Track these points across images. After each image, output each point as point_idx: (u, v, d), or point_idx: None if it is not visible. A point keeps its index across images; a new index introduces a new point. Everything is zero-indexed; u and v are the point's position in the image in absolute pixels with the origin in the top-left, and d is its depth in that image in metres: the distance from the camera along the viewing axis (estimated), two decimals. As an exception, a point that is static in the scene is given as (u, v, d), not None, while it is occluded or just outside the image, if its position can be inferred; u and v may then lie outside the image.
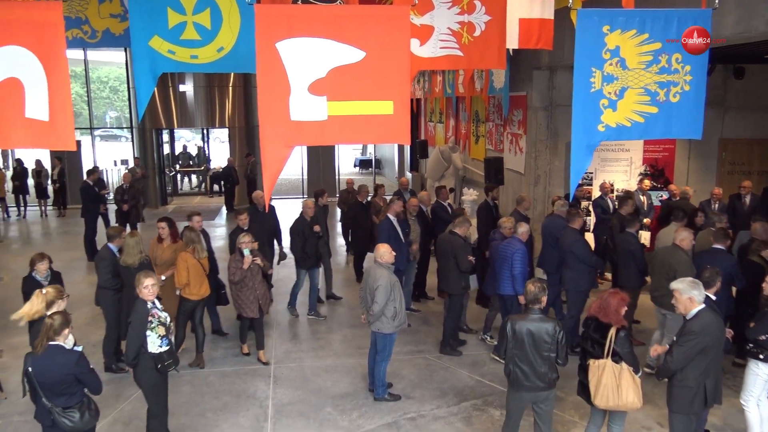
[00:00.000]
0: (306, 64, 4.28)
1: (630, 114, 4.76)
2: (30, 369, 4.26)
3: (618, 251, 7.72)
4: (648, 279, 7.54)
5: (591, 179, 10.59)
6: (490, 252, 7.57)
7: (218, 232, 14.61)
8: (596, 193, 10.20)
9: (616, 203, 9.54)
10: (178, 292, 7.04)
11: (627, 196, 8.80)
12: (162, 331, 5.09)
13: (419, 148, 16.16)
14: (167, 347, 5.14)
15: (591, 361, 4.84)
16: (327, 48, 4.28)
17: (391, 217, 8.17)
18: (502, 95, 11.19)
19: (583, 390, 5.00)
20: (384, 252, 6.30)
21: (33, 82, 4.03)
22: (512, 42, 6.41)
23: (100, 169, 14.98)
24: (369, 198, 10.45)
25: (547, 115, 10.35)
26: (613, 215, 8.96)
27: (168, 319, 5.19)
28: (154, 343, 5.06)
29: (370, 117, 4.37)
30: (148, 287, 5.03)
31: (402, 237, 8.21)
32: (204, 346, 7.36)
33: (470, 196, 10.45)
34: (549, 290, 5.18)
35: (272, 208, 9.26)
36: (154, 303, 5.12)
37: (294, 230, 8.59)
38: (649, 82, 4.72)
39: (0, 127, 4.11)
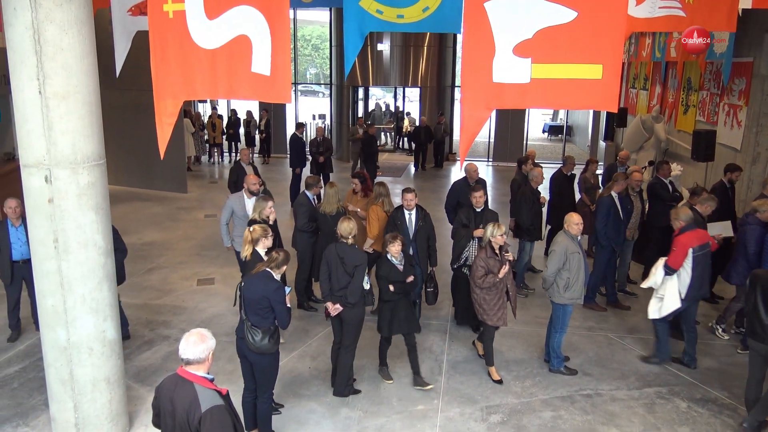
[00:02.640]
0: (513, 24, 4.16)
1: None
2: (243, 284, 4.91)
3: None
4: None
5: (825, 161, 9.20)
6: (742, 237, 6.82)
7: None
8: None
9: None
10: (370, 247, 7.35)
11: None
12: (367, 270, 5.72)
13: (617, 116, 15.14)
14: (369, 285, 5.76)
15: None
16: (536, 8, 4.12)
17: (614, 194, 7.70)
18: (722, 61, 10.01)
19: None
20: (572, 221, 6.08)
21: (259, 39, 4.39)
22: (746, 1, 5.69)
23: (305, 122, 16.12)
24: (573, 171, 9.86)
25: (777, 85, 9.11)
26: None
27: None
28: (366, 281, 5.66)
29: (576, 81, 4.15)
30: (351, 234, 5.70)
31: (622, 215, 7.73)
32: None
33: (674, 171, 9.59)
34: None
35: (483, 181, 8.44)
36: None
37: (522, 200, 8.26)
38: None
39: (229, 80, 4.55)
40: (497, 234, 5.92)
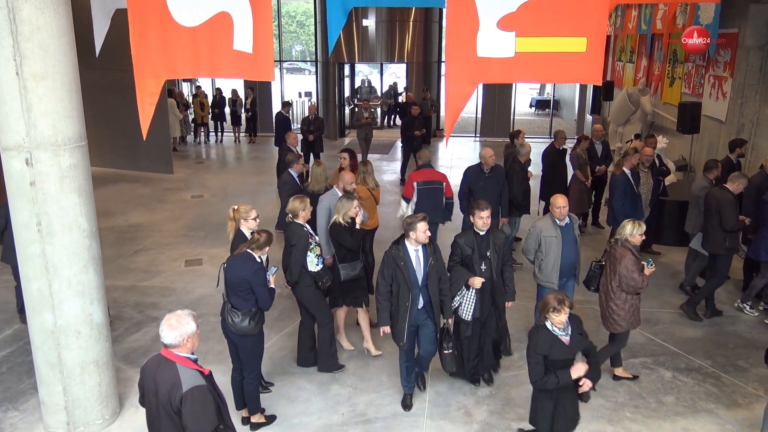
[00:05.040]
0: (497, -3, 4.14)
1: None
2: (225, 265, 4.88)
3: None
4: None
5: (808, 132, 9.25)
6: (765, 214, 6.81)
7: (393, 167, 14.98)
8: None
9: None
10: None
11: None
12: (318, 251, 5.61)
13: (604, 90, 15.15)
14: (322, 265, 5.64)
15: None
16: (520, -20, 4.09)
17: (627, 170, 7.64)
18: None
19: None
20: (554, 204, 5.87)
21: (240, 16, 4.32)
22: (730, -29, 5.66)
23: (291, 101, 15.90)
24: (564, 146, 9.78)
25: (762, 56, 9.11)
26: None
27: (319, 241, 5.75)
28: (313, 263, 5.58)
29: (561, 54, 4.14)
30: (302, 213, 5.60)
31: (637, 191, 7.69)
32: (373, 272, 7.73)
33: (659, 143, 9.64)
34: None
35: (500, 168, 7.98)
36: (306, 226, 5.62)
37: (512, 175, 8.23)
38: None
39: (211, 58, 4.49)
40: (637, 233, 5.35)
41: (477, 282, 5.23)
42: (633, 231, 5.36)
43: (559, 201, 5.84)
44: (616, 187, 7.59)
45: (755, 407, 5.41)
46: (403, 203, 7.69)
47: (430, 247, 5.12)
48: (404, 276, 4.99)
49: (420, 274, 5.07)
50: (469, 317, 5.38)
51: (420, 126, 13.25)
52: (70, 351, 4.80)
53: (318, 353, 5.93)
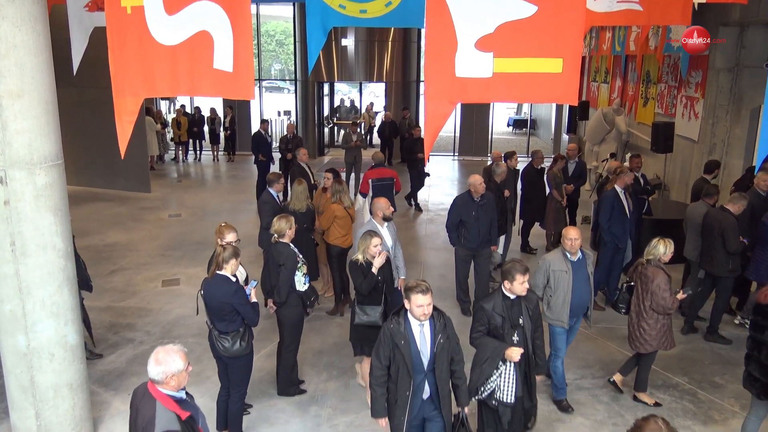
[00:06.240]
0: (475, 19, 4.19)
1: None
2: (202, 292, 4.79)
3: None
4: None
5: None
6: (764, 236, 6.73)
7: (370, 184, 14.98)
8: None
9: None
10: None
11: None
12: (305, 269, 5.55)
13: (579, 110, 15.40)
14: (308, 285, 5.59)
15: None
16: (497, 2, 4.15)
17: (619, 189, 7.51)
18: (680, 54, 10.25)
19: (753, 383, 4.59)
20: (565, 236, 5.40)
21: (221, 35, 4.31)
22: (701, -5, 5.84)
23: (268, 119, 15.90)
24: (543, 165, 9.80)
25: (732, 77, 9.35)
26: None
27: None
28: (300, 281, 5.51)
29: (537, 75, 4.20)
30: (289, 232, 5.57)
31: (627, 211, 7.55)
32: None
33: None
34: None
35: (489, 195, 7.50)
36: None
37: None
38: None
39: (191, 77, 4.47)
40: (669, 252, 5.34)
41: (516, 354, 4.28)
42: (665, 250, 5.34)
43: (571, 233, 5.36)
44: (604, 204, 7.52)
45: (731, 423, 5.47)
46: (360, 198, 9.01)
47: (440, 321, 4.05)
48: (404, 358, 3.97)
49: (425, 356, 4.02)
50: (512, 399, 4.42)
51: (422, 149, 13.10)
52: (43, 374, 4.69)
53: (278, 376, 5.86)
